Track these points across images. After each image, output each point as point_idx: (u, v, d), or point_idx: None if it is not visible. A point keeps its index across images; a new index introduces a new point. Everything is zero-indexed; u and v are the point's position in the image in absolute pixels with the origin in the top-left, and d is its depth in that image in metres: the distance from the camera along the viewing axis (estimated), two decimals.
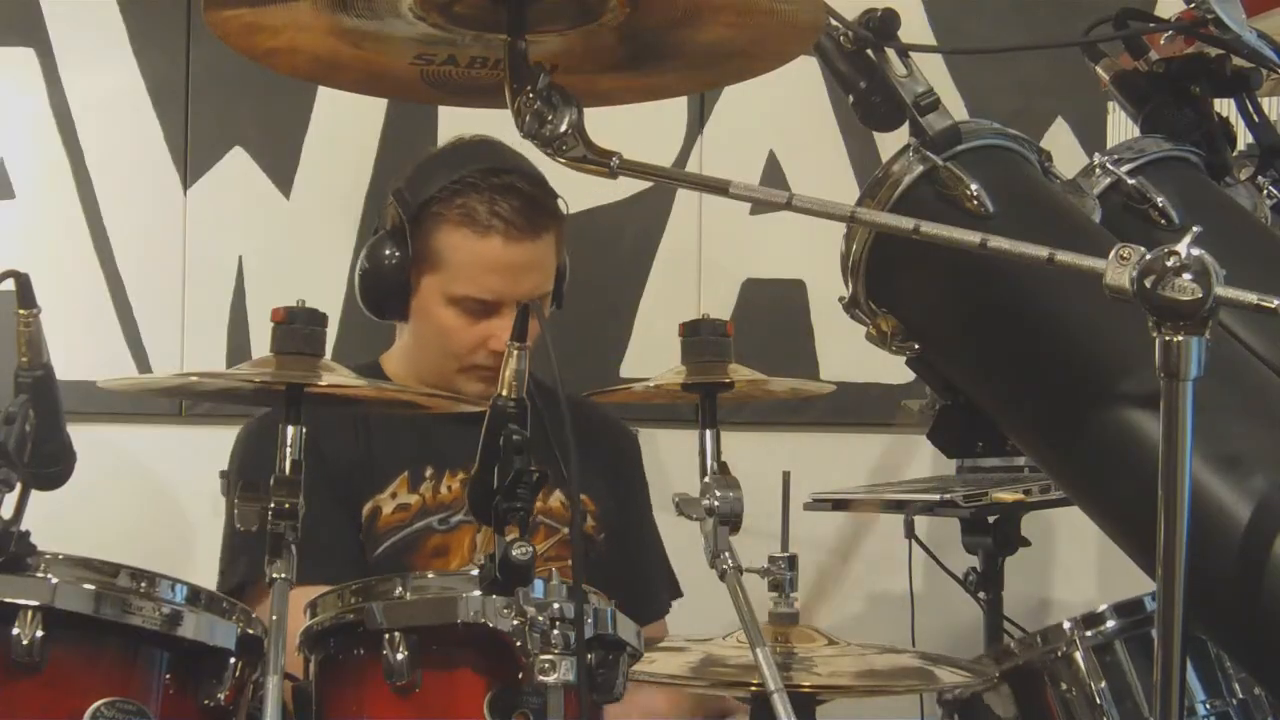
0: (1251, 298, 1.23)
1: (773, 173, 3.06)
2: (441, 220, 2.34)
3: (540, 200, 2.36)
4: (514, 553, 1.49)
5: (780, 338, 3.04)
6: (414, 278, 2.36)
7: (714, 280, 3.07)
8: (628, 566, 2.48)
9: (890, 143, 1.63)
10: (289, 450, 1.66)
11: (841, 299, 1.65)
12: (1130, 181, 1.70)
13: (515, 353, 1.57)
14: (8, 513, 1.53)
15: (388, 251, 2.36)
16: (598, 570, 2.39)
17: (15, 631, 1.47)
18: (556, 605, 1.50)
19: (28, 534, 1.53)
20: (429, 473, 2.39)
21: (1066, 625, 2.04)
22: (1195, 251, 1.22)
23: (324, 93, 3.05)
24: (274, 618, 1.56)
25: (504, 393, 1.56)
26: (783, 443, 2.99)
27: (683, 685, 1.97)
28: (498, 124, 1.50)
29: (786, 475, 1.97)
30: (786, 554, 1.91)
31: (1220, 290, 1.22)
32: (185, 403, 3.08)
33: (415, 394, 2.05)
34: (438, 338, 2.38)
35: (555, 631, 1.49)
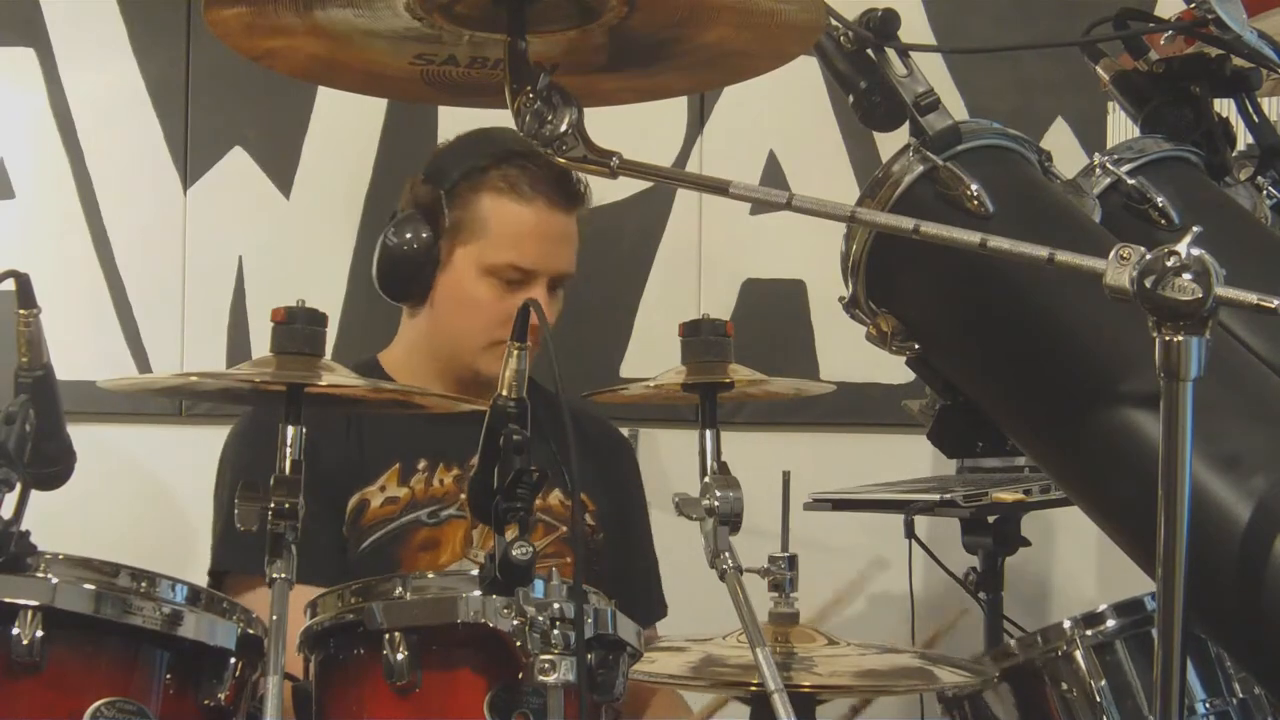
0: (1251, 298, 1.23)
1: (773, 173, 3.06)
2: (482, 188, 2.37)
3: (573, 178, 2.40)
4: (514, 553, 1.49)
5: (780, 338, 3.04)
6: (446, 251, 2.37)
7: (714, 280, 3.07)
8: (625, 567, 2.48)
9: (890, 143, 1.63)
10: (289, 450, 1.66)
11: (841, 299, 1.65)
12: (1130, 181, 1.70)
13: (515, 352, 1.57)
14: (8, 513, 1.52)
15: (415, 229, 2.37)
16: (597, 567, 2.39)
17: (15, 631, 1.47)
18: (556, 605, 1.50)
19: (28, 534, 1.53)
20: (421, 465, 2.39)
21: (1066, 624, 2.04)
22: (1195, 251, 1.22)
23: (324, 93, 3.05)
24: (274, 618, 1.56)
25: (504, 392, 1.56)
26: (783, 443, 2.99)
27: (683, 685, 1.97)
28: (498, 124, 1.50)
29: (786, 475, 1.97)
30: (786, 554, 1.91)
31: (1220, 290, 1.22)
32: (185, 403, 3.08)
33: (414, 394, 2.05)
34: (466, 312, 2.38)
35: (555, 631, 1.49)
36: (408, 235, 2.37)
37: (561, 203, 2.38)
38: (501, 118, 1.43)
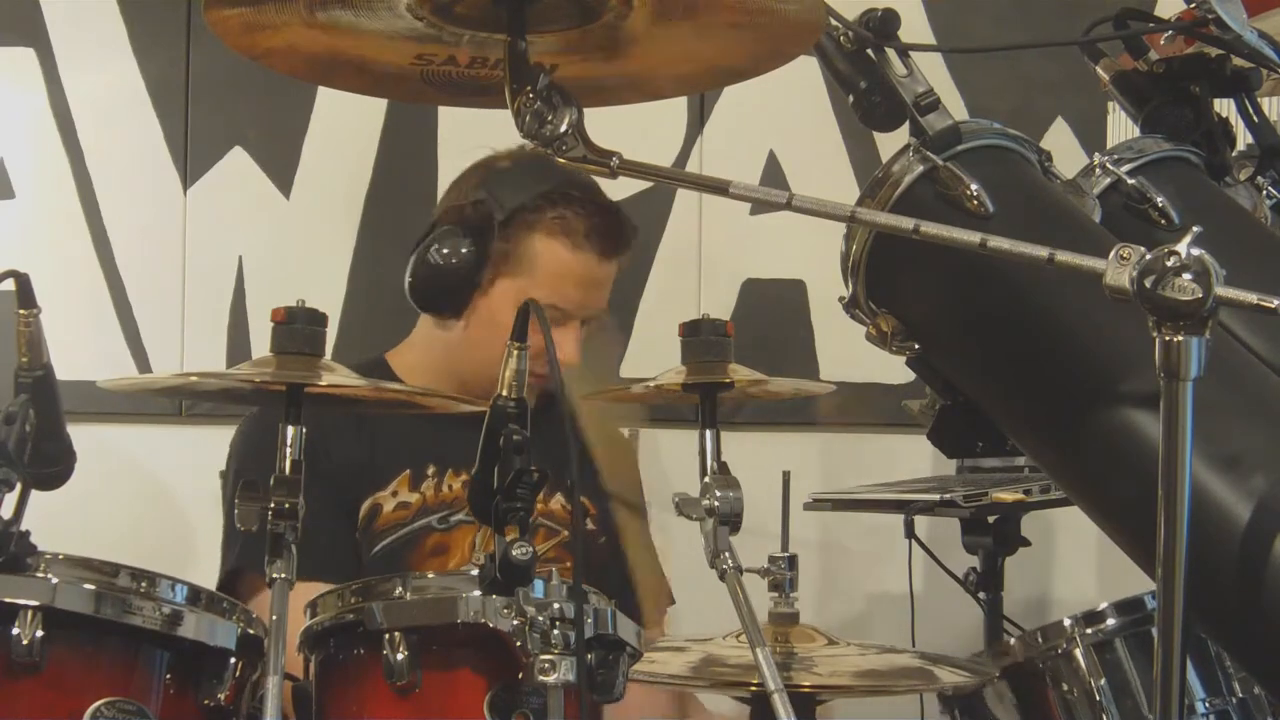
0: (1251, 298, 1.23)
1: (773, 173, 3.05)
2: (536, 227, 2.37)
3: (625, 224, 2.44)
4: (514, 553, 1.49)
5: (780, 338, 3.04)
6: (488, 277, 2.37)
7: (714, 280, 3.07)
8: (627, 569, 2.48)
9: (890, 143, 1.63)
10: (289, 450, 1.66)
11: (841, 299, 1.65)
12: (1130, 181, 1.70)
13: (515, 353, 1.58)
14: (8, 513, 1.53)
15: (460, 249, 2.36)
16: (597, 571, 2.39)
17: (15, 631, 1.47)
18: (556, 605, 1.50)
19: (28, 534, 1.53)
20: (431, 471, 2.39)
21: (1067, 623, 2.04)
22: (1195, 251, 1.22)
23: (324, 93, 3.05)
24: (274, 618, 1.56)
25: (504, 393, 1.56)
26: (783, 443, 2.99)
27: (683, 685, 1.97)
28: (498, 124, 1.50)
29: (786, 475, 1.97)
30: (786, 554, 1.91)
31: (1220, 290, 1.22)
32: (185, 403, 3.08)
33: (416, 394, 2.05)
34: (498, 341, 2.37)
35: (555, 631, 1.49)
36: (446, 252, 2.36)
37: (610, 252, 2.41)
38: (502, 118, 1.43)
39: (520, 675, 1.50)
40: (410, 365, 2.47)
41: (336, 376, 1.71)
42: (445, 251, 2.36)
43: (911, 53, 1.59)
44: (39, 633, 1.47)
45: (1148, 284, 1.22)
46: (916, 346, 1.61)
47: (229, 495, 2.36)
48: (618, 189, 2.93)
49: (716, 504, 1.73)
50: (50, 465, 1.61)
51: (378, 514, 2.36)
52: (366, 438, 2.39)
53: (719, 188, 1.41)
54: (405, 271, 2.38)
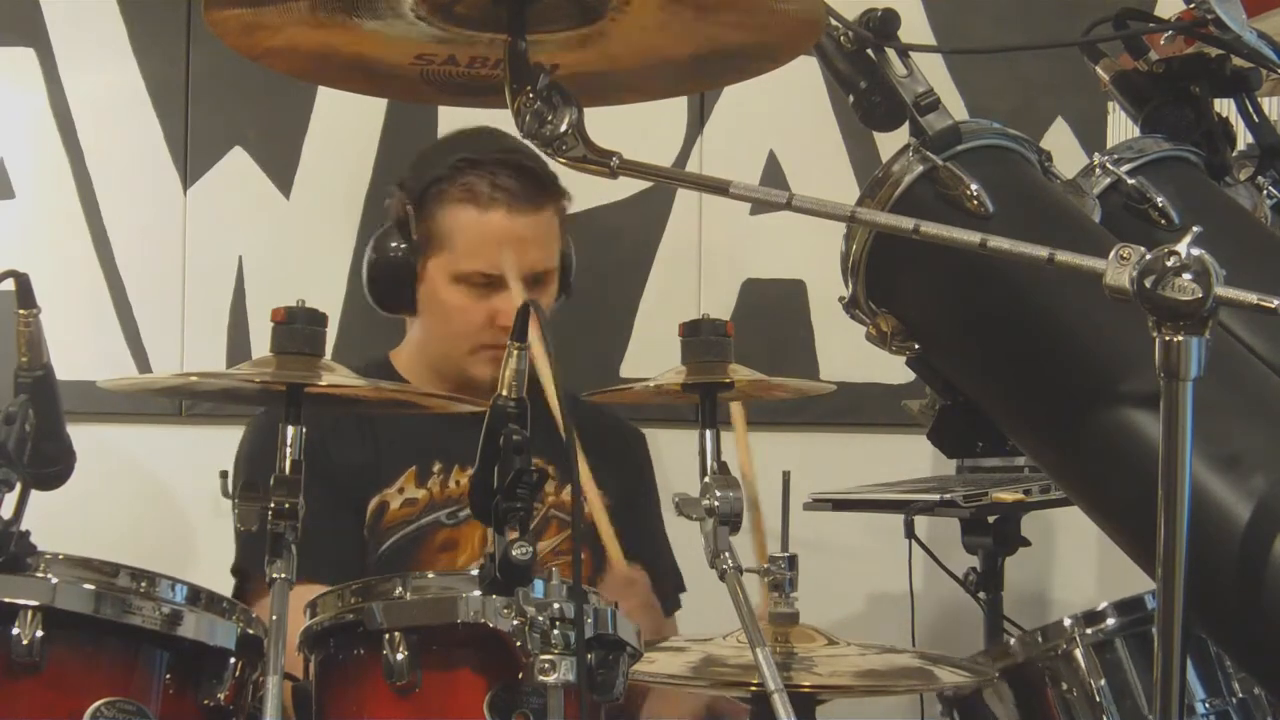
0: (1251, 298, 1.23)
1: (773, 173, 3.05)
2: (444, 200, 2.38)
3: (540, 174, 2.39)
4: (514, 553, 1.49)
5: (780, 338, 3.04)
6: (421, 263, 2.39)
7: (714, 280, 3.07)
8: (640, 562, 2.48)
9: (890, 143, 1.63)
10: (289, 450, 1.66)
11: (841, 299, 1.65)
12: (1130, 181, 1.70)
13: (515, 352, 1.58)
14: (8, 513, 1.53)
15: (393, 242, 2.40)
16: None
17: (15, 631, 1.47)
18: (556, 605, 1.50)
19: (28, 534, 1.53)
20: (437, 467, 2.40)
21: (1067, 622, 2.04)
22: (1195, 251, 1.22)
23: (324, 93, 3.05)
24: (274, 618, 1.56)
25: (504, 392, 1.56)
26: (783, 443, 2.99)
27: (683, 685, 1.97)
28: (498, 124, 1.50)
29: (786, 475, 1.97)
30: (786, 554, 1.91)
31: (1220, 290, 1.22)
32: (185, 403, 3.08)
33: (414, 394, 2.05)
34: (446, 320, 2.40)
35: (555, 631, 1.49)
36: (385, 249, 2.41)
37: (524, 204, 2.37)
38: (502, 118, 1.43)
39: (520, 675, 1.50)
40: (405, 363, 2.50)
41: (336, 376, 1.71)
42: (385, 250, 2.41)
43: (911, 53, 1.59)
44: (39, 633, 1.47)
45: (1148, 284, 1.22)
46: (916, 346, 1.62)
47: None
48: (618, 189, 2.94)
49: (716, 504, 1.73)
50: (50, 465, 1.61)
51: (385, 511, 2.37)
52: (369, 436, 2.40)
53: (719, 188, 1.41)
54: None
